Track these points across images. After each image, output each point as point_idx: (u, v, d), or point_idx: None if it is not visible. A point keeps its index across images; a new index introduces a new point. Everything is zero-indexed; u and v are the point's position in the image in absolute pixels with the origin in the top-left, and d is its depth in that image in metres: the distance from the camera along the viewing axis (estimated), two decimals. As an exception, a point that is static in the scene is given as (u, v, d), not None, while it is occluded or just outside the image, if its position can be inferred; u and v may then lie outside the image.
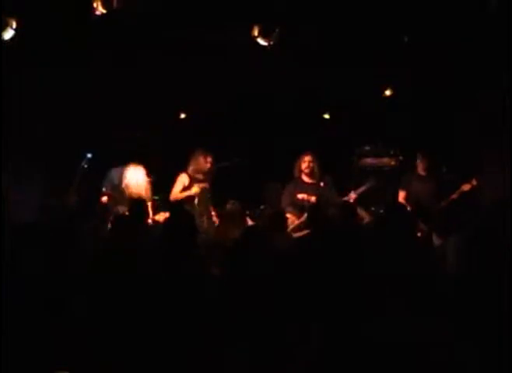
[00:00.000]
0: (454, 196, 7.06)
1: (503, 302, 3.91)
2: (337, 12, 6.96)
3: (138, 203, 6.07)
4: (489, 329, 3.86)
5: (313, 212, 5.26)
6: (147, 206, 6.34)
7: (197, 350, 4.05)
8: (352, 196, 7.44)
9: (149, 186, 7.31)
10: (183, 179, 7.31)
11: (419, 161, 7.40)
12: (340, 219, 5.56)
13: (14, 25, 6.67)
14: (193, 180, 7.29)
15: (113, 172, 7.23)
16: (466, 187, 7.04)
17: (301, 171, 7.42)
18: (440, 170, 7.60)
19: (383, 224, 5.08)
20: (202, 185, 7.27)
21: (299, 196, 7.30)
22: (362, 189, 7.55)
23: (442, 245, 5.22)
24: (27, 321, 4.09)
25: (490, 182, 7.17)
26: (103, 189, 7.07)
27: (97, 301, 4.30)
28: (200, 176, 7.32)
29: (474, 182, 7.00)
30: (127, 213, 6.58)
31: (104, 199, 7.02)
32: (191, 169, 7.33)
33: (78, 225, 6.89)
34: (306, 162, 7.39)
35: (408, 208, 7.18)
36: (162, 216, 6.98)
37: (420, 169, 7.41)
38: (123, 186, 7.12)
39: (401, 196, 7.42)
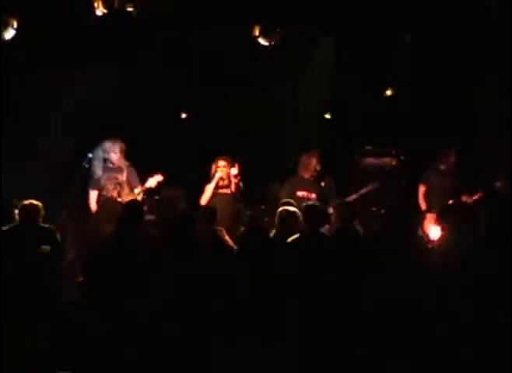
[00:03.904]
0: (476, 197, 6.99)
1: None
2: (337, 11, 6.98)
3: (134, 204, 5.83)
4: (496, 329, 3.87)
5: (310, 211, 5.21)
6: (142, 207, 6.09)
7: (198, 349, 4.06)
8: (353, 196, 7.41)
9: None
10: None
11: (443, 155, 7.34)
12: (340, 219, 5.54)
13: (15, 25, 6.70)
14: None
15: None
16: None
17: (309, 171, 7.33)
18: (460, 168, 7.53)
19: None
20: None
21: (299, 193, 7.24)
22: (364, 190, 7.52)
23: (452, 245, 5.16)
24: (28, 321, 4.10)
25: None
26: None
27: (98, 301, 4.31)
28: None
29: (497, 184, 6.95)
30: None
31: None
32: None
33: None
34: (315, 164, 7.32)
35: (424, 205, 7.33)
36: (154, 180, 6.82)
37: (441, 164, 7.37)
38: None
39: (421, 190, 7.42)
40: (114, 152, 6.89)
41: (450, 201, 6.63)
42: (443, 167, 7.40)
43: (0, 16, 6.59)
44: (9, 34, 6.73)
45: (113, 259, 4.48)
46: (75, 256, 6.80)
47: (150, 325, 4.07)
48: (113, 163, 6.92)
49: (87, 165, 6.94)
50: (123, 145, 6.97)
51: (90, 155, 6.95)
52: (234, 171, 7.29)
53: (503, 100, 7.26)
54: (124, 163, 6.99)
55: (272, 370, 4.03)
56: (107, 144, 6.90)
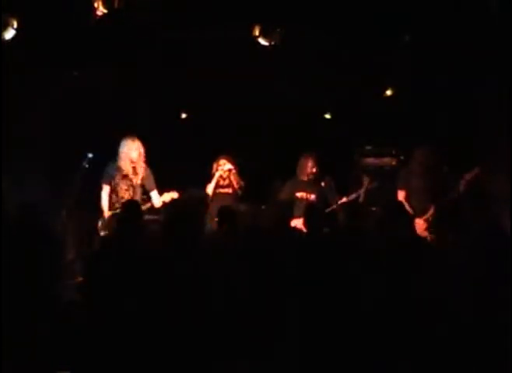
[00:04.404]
0: (461, 187, 6.63)
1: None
2: (338, 11, 6.98)
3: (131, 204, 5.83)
4: (496, 329, 3.86)
5: (311, 210, 5.22)
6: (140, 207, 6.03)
7: (197, 350, 4.06)
8: (352, 196, 7.40)
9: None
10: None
11: (419, 155, 7.01)
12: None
13: (15, 24, 6.70)
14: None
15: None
16: (469, 176, 6.64)
17: (305, 173, 7.34)
18: (441, 169, 7.42)
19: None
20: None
21: (298, 194, 7.28)
22: (362, 189, 7.50)
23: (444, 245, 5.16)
24: (28, 321, 4.10)
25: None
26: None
27: (98, 301, 4.31)
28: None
29: (477, 170, 6.64)
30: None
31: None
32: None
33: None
34: (311, 166, 7.31)
35: (408, 207, 7.14)
36: (168, 196, 6.80)
37: (417, 164, 7.04)
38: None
39: (401, 195, 7.07)
40: (135, 150, 6.79)
41: (444, 202, 6.57)
42: (419, 168, 7.04)
43: (0, 16, 6.60)
44: (9, 34, 6.74)
45: (113, 259, 4.48)
46: (75, 256, 6.81)
47: (150, 325, 4.07)
48: (132, 162, 6.80)
49: (87, 165, 6.93)
50: (141, 145, 6.86)
51: (90, 155, 6.94)
52: (227, 166, 7.33)
53: (503, 100, 7.25)
54: (141, 165, 6.87)
55: (272, 370, 4.04)
56: (129, 142, 6.79)
